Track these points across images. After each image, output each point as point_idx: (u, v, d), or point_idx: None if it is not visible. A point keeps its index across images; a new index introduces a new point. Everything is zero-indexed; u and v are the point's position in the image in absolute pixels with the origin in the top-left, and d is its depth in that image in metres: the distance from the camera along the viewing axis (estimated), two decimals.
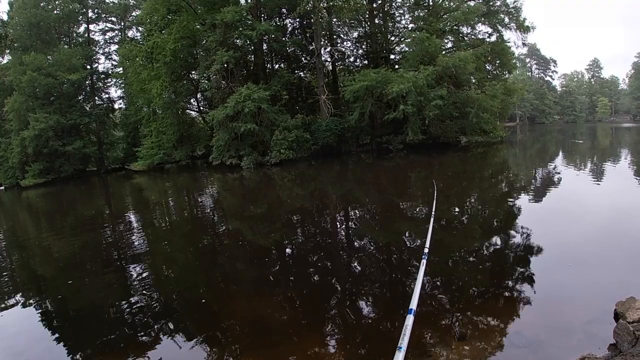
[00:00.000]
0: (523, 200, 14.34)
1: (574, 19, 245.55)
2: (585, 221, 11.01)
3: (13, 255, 14.70)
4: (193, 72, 43.23)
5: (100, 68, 54.32)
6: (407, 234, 11.55)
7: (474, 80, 36.27)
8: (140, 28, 49.66)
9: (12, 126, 45.23)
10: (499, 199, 15.57)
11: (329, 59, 41.96)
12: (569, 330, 5.54)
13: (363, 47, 45.15)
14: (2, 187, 47.53)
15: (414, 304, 3.88)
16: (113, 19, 53.80)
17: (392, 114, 31.51)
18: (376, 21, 42.47)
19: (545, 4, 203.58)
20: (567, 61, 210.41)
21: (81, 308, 8.40)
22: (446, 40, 39.77)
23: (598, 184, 16.34)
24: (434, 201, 10.18)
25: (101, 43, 54.52)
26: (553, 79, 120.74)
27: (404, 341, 3.23)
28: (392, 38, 43.92)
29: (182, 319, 7.37)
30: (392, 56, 43.38)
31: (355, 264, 9.68)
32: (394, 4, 43.47)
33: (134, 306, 7.98)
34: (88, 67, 50.36)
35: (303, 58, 42.85)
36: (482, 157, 29.01)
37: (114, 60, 54.25)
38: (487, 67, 40.03)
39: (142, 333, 6.93)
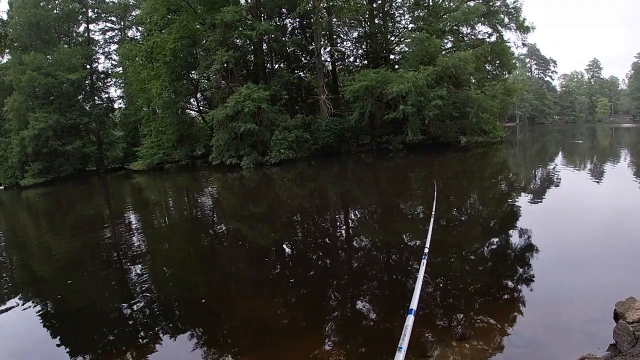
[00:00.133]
0: (523, 201, 14.34)
1: (573, 20, 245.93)
2: (584, 221, 11.02)
3: (13, 255, 14.68)
4: (193, 72, 43.21)
5: (100, 68, 54.36)
6: (406, 234, 11.55)
7: (473, 81, 36.26)
8: (140, 28, 49.60)
9: (12, 126, 45.18)
10: (499, 199, 15.58)
11: (328, 59, 41.96)
12: (569, 330, 5.54)
13: (363, 47, 45.16)
14: (1, 187, 47.47)
15: (414, 304, 3.87)
16: (113, 18, 53.76)
17: (392, 114, 31.50)
18: (376, 21, 42.46)
19: (545, 4, 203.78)
20: (566, 61, 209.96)
21: (81, 308, 8.39)
22: (446, 41, 39.74)
23: (598, 184, 16.35)
24: (434, 201, 10.17)
25: (101, 43, 54.54)
26: (553, 79, 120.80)
27: (405, 342, 3.23)
28: (392, 38, 43.92)
29: (182, 319, 7.37)
30: (392, 56, 43.39)
31: (355, 264, 9.69)
32: (393, 4, 43.49)
33: (134, 306, 7.97)
34: (88, 66, 50.29)
35: (303, 58, 42.84)
36: (481, 157, 29.01)
37: (114, 60, 54.23)
38: (487, 67, 40.00)
39: (142, 333, 6.93)
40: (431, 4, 40.91)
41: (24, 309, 8.43)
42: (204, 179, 32.79)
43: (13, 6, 48.01)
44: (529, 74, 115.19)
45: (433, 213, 8.77)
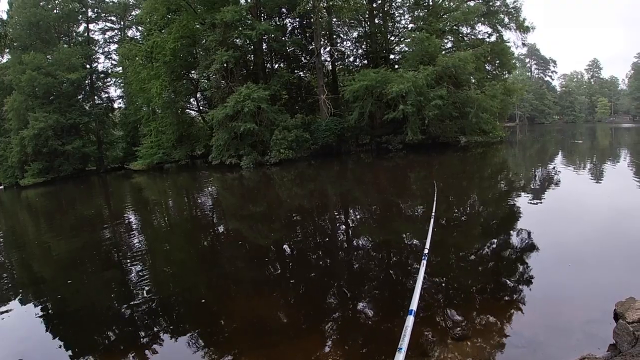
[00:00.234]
0: (522, 201, 14.34)
1: (573, 20, 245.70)
2: (584, 221, 11.02)
3: (12, 255, 14.68)
4: (193, 72, 43.21)
5: (100, 67, 54.33)
6: (406, 234, 11.57)
7: (473, 80, 36.25)
8: (139, 27, 49.60)
9: (12, 125, 45.16)
10: (499, 199, 15.59)
11: (328, 59, 41.96)
12: (569, 331, 5.54)
13: (363, 46, 45.14)
14: (1, 187, 47.43)
15: (414, 305, 3.87)
16: (113, 18, 53.74)
17: (392, 113, 31.50)
18: (376, 21, 42.43)
19: (545, 4, 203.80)
20: (566, 61, 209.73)
21: (81, 308, 8.40)
22: (446, 40, 39.71)
23: (597, 184, 16.37)
24: (434, 202, 10.16)
25: (101, 42, 54.52)
26: (553, 79, 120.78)
27: (404, 342, 3.23)
28: (392, 38, 43.90)
29: (182, 319, 7.36)
30: (391, 56, 43.36)
31: (355, 264, 9.68)
32: (393, 4, 43.45)
33: (134, 306, 7.98)
34: (87, 66, 50.24)
35: (303, 58, 42.82)
36: (481, 157, 29.02)
37: (114, 60, 54.20)
38: (487, 67, 39.98)
39: (142, 333, 6.93)
40: (431, 3, 40.88)
41: (24, 309, 8.45)
42: (203, 178, 32.77)
43: (13, 6, 48.02)
44: (529, 74, 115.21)
45: (433, 214, 8.77)
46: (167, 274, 10.29)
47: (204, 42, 36.31)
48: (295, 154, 32.88)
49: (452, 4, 39.21)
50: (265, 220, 15.58)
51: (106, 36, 54.46)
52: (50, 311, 8.37)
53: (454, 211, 13.54)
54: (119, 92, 55.09)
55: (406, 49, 39.31)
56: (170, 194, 27.57)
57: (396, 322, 6.07)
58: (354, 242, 11.70)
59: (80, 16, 51.51)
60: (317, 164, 31.90)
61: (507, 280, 7.53)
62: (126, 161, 49.26)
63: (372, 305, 7.17)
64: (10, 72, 44.77)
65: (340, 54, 44.82)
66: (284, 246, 11.84)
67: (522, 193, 15.99)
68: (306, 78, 43.85)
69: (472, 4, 38.14)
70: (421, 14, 40.71)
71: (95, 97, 52.75)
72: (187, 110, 48.12)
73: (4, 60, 48.87)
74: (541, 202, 14.02)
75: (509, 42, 40.99)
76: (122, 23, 54.08)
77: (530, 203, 13.88)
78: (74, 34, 52.79)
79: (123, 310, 7.95)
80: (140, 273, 10.20)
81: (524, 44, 43.21)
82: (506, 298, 6.82)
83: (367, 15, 41.63)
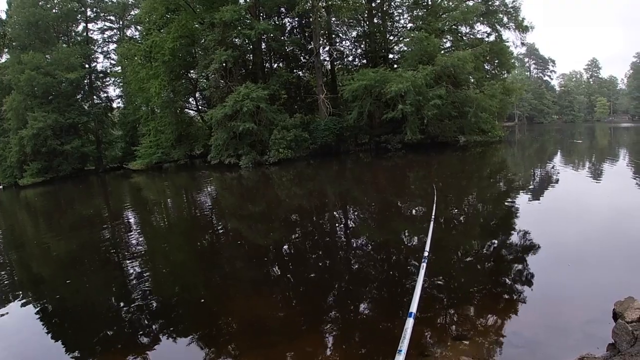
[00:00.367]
0: (522, 200, 14.35)
1: (573, 19, 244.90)
2: (584, 221, 11.03)
3: (11, 254, 14.68)
4: (192, 71, 43.15)
5: (99, 67, 54.09)
6: (405, 234, 11.58)
7: (472, 80, 36.26)
8: (139, 27, 49.42)
9: (11, 125, 45.02)
10: (498, 198, 15.58)
11: (327, 58, 41.99)
12: (568, 330, 5.55)
13: (362, 46, 45.09)
14: (0, 187, 47.39)
15: (414, 308, 3.87)
16: (112, 17, 53.59)
17: (391, 113, 31.50)
18: (375, 20, 42.39)
19: (544, 3, 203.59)
20: (566, 61, 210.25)
21: (80, 308, 8.39)
22: (445, 40, 39.73)
23: (597, 184, 16.38)
24: (434, 205, 10.15)
25: (100, 42, 54.30)
26: (552, 79, 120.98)
27: (404, 344, 3.23)
28: (391, 37, 43.90)
29: (181, 319, 7.36)
30: (390, 55, 43.39)
31: (354, 264, 9.68)
32: (392, 4, 43.35)
33: (133, 306, 7.98)
34: (86, 66, 50.04)
35: (302, 57, 42.78)
36: (480, 157, 29.05)
37: (113, 59, 54.02)
38: (486, 67, 39.98)
39: (141, 333, 6.94)
40: (430, 3, 40.81)
41: (23, 309, 8.43)
42: (202, 178, 32.75)
43: (12, 5, 47.89)
44: (528, 73, 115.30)
45: (433, 217, 8.76)
46: (166, 273, 10.28)
47: (202, 41, 36.34)
48: (294, 154, 32.86)
49: (451, 3, 39.21)
50: (264, 220, 15.58)
51: (105, 36, 54.36)
52: (49, 311, 8.37)
53: (453, 211, 13.54)
54: (117, 91, 55.02)
55: (405, 48, 39.25)
56: (169, 193, 27.56)
57: (395, 323, 6.08)
58: (353, 242, 11.71)
59: (79, 16, 51.35)
60: (316, 163, 31.90)
61: (507, 280, 7.54)
62: (125, 161, 49.13)
63: (371, 305, 7.18)
64: (9, 71, 44.65)
65: (339, 54, 44.80)
66: (283, 246, 11.83)
67: (521, 192, 16.01)
68: (305, 77, 43.80)
69: (471, 3, 38.17)
70: (420, 14, 40.66)
71: (94, 97, 52.59)
72: (186, 109, 48.11)
73: (3, 60, 48.96)
74: (540, 202, 14.04)
75: (507, 41, 41.03)
76: (121, 22, 53.95)
77: (530, 203, 13.90)
78: (73, 33, 52.63)
79: (122, 310, 7.96)
80: (139, 273, 10.20)
81: (522, 44, 43.36)
82: (505, 298, 6.82)
83: (366, 15, 41.63)
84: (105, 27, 53.91)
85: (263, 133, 32.83)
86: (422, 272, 5.07)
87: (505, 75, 43.57)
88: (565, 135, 54.18)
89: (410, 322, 3.57)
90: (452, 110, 32.63)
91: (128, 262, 11.35)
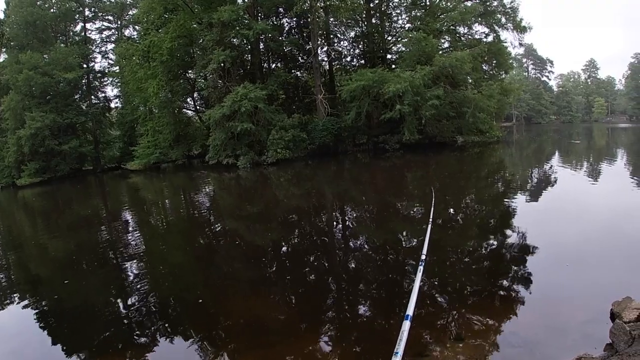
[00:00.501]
0: (519, 201, 14.36)
1: (572, 19, 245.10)
2: (582, 221, 11.05)
3: (9, 255, 14.66)
4: (190, 71, 43.12)
5: (97, 67, 53.92)
6: (403, 235, 11.58)
7: (470, 80, 36.29)
8: (137, 27, 49.41)
9: (8, 125, 44.91)
10: (496, 199, 15.59)
11: (325, 59, 41.96)
12: (566, 330, 5.55)
13: (360, 46, 45.12)
14: None
15: (410, 310, 3.87)
16: (110, 17, 53.45)
17: (389, 113, 31.51)
18: (373, 21, 42.41)
19: (543, 3, 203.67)
20: (565, 61, 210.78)
21: (78, 308, 8.38)
22: (443, 40, 39.72)
23: (595, 184, 16.41)
24: (432, 208, 10.15)
25: (98, 42, 54.12)
26: (549, 79, 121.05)
27: (400, 347, 3.23)
28: (389, 38, 43.89)
29: (179, 319, 7.36)
30: (389, 56, 43.42)
31: (352, 264, 9.69)
32: (391, 4, 43.36)
33: (131, 306, 7.97)
34: (84, 65, 49.90)
35: (300, 57, 42.81)
36: (478, 157, 29.07)
37: (111, 59, 53.88)
38: (484, 67, 39.98)
39: (139, 333, 6.93)
40: (428, 3, 40.85)
41: (22, 310, 8.42)
42: (200, 178, 32.74)
43: (10, 5, 47.81)
44: (526, 74, 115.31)
45: (430, 220, 8.76)
46: (164, 273, 10.27)
47: (201, 41, 36.34)
48: (292, 154, 32.84)
49: (449, 4, 39.24)
50: (263, 220, 15.58)
51: (103, 35, 54.22)
52: (47, 312, 8.35)
53: (450, 211, 13.55)
54: (115, 91, 54.87)
55: (403, 48, 39.29)
56: (167, 193, 27.54)
57: (392, 323, 6.08)
58: (351, 242, 11.72)
59: (77, 15, 51.22)
60: (314, 163, 31.90)
61: (505, 280, 7.55)
62: (123, 161, 49.05)
63: (369, 306, 7.19)
64: (7, 71, 44.56)
65: (338, 54, 44.79)
66: (281, 246, 11.85)
67: (519, 193, 16.04)
68: (303, 78, 43.82)
69: (469, 4, 38.22)
70: (418, 14, 40.72)
71: (92, 97, 52.51)
72: (184, 110, 47.96)
73: (1, 60, 48.78)
74: (538, 202, 14.08)
75: (506, 42, 41.05)
76: (119, 22, 53.83)
77: (528, 203, 13.93)
78: (71, 33, 52.49)
79: (120, 310, 7.96)
80: (137, 273, 10.20)
81: (520, 44, 43.27)
82: (503, 298, 6.83)
83: (364, 15, 41.60)
84: (103, 27, 53.81)
85: (261, 133, 32.82)
86: (419, 275, 5.06)
87: (503, 76, 43.65)
88: (563, 135, 54.27)
89: (406, 325, 3.57)
90: (450, 111, 32.70)
91: (126, 262, 11.35)
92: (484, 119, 34.72)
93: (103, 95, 54.75)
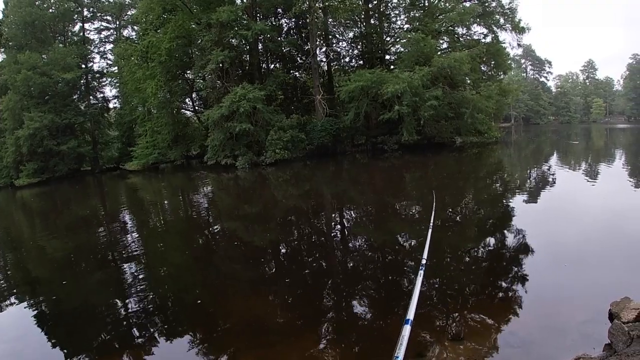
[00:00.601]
0: (518, 201, 14.38)
1: (572, 19, 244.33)
2: (580, 221, 11.07)
3: (7, 255, 14.64)
4: (188, 72, 43.04)
5: (95, 67, 53.99)
6: (402, 235, 11.58)
7: (469, 81, 36.37)
8: (135, 27, 49.44)
9: (7, 125, 44.90)
10: (494, 199, 15.62)
11: (324, 59, 42.05)
12: (564, 331, 5.56)
13: (358, 47, 45.12)
14: None
15: (411, 315, 3.85)
16: (108, 17, 53.46)
17: (387, 114, 31.56)
18: (372, 21, 42.48)
19: (543, 3, 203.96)
20: (565, 61, 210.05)
21: (76, 309, 8.37)
22: (441, 41, 39.80)
23: (593, 185, 16.42)
24: (433, 212, 10.14)
25: (96, 42, 54.13)
26: (548, 80, 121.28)
27: (401, 351, 3.22)
28: (388, 38, 43.94)
29: (178, 320, 7.35)
30: (387, 57, 43.39)
31: (351, 265, 9.69)
32: (389, 5, 43.41)
33: (129, 307, 7.96)
34: (83, 66, 49.89)
35: (298, 58, 42.76)
36: (477, 158, 29.08)
37: (109, 60, 53.97)
38: (482, 68, 40.09)
39: (138, 334, 6.92)
40: (427, 4, 40.93)
41: (20, 310, 8.41)
42: (199, 179, 32.71)
43: (8, 5, 47.79)
44: (524, 74, 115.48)
45: (431, 224, 8.75)
46: (162, 274, 10.27)
47: (199, 42, 36.33)
48: (291, 155, 32.86)
49: (447, 4, 39.29)
50: (261, 220, 15.57)
51: (102, 36, 54.25)
52: (46, 312, 8.35)
53: (449, 211, 13.56)
54: (114, 92, 54.89)
55: (402, 49, 39.31)
56: (165, 194, 27.52)
57: (392, 323, 6.09)
58: (350, 243, 11.72)
59: (76, 16, 51.22)
60: (313, 164, 31.91)
61: (503, 281, 7.56)
62: (121, 161, 49.01)
63: (368, 305, 7.18)
64: (5, 71, 44.57)
65: (336, 55, 44.90)
66: (280, 247, 11.85)
67: (518, 193, 16.04)
68: (302, 78, 43.77)
69: (467, 4, 38.24)
70: (417, 15, 40.80)
71: (91, 97, 52.48)
72: (183, 110, 47.89)
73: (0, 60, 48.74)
74: (536, 203, 14.08)
75: (504, 42, 41.21)
76: (117, 23, 53.82)
77: (526, 203, 13.93)
78: (70, 33, 52.50)
79: (118, 310, 7.94)
80: (135, 273, 10.17)
81: (519, 45, 43.36)
82: (502, 298, 6.84)
83: (362, 16, 41.64)
84: (101, 27, 53.88)
85: (260, 134, 32.83)
86: (419, 279, 5.05)
87: (502, 77, 43.76)
88: (561, 136, 54.30)
89: (407, 329, 3.55)
90: (449, 111, 32.77)
91: (125, 263, 11.32)
92: (483, 120, 34.79)
93: (101, 95, 54.90)
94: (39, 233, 18.30)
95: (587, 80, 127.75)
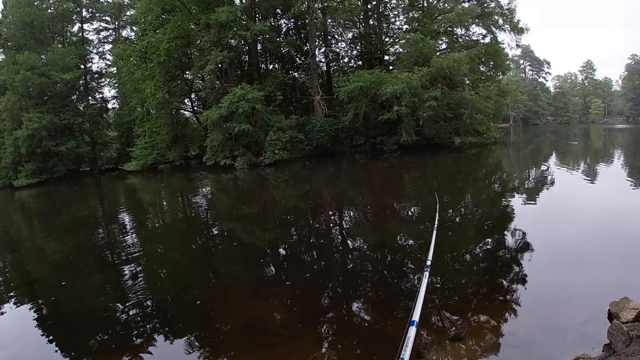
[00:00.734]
0: (517, 202, 14.39)
1: (572, 19, 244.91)
2: (579, 221, 11.08)
3: (6, 256, 14.61)
4: (187, 72, 42.96)
5: (94, 68, 53.97)
6: (401, 236, 11.58)
7: (467, 82, 36.35)
8: (134, 28, 49.47)
9: (5, 126, 44.86)
10: (494, 200, 15.61)
11: (323, 60, 42.11)
12: (564, 331, 5.56)
13: (357, 48, 45.19)
14: None
15: (416, 316, 3.86)
16: (107, 18, 53.46)
17: (386, 114, 31.57)
18: (371, 22, 42.54)
19: (542, 3, 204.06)
20: (563, 62, 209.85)
21: (75, 310, 8.36)
22: (440, 42, 39.82)
23: (592, 185, 16.44)
24: (437, 214, 10.13)
25: (95, 42, 54.17)
26: (546, 81, 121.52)
27: (407, 353, 3.21)
28: (387, 39, 44.02)
29: (177, 321, 7.35)
30: (386, 57, 43.47)
31: (351, 265, 9.69)
32: (388, 5, 43.50)
33: (128, 308, 7.95)
34: (82, 66, 49.86)
35: (297, 58, 42.81)
36: (475, 158, 29.10)
37: (108, 60, 54.06)
38: (481, 69, 40.16)
39: (137, 335, 6.90)
40: (425, 5, 41.01)
41: (19, 311, 8.40)
42: (198, 179, 32.69)
43: (7, 5, 47.76)
44: (523, 75, 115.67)
45: (436, 226, 8.75)
46: (162, 275, 10.27)
47: (198, 42, 36.33)
48: (290, 155, 32.86)
49: (446, 5, 39.25)
50: (260, 221, 15.55)
51: (100, 36, 54.28)
52: (44, 313, 8.33)
53: (448, 212, 13.54)
54: (113, 92, 54.94)
55: (401, 50, 39.38)
56: (164, 195, 27.51)
57: (392, 324, 6.09)
58: (349, 243, 11.71)
59: (75, 16, 51.20)
60: (312, 164, 31.90)
61: (503, 281, 7.55)
62: (120, 162, 48.99)
63: (368, 306, 7.18)
64: (4, 72, 44.53)
65: (335, 55, 45.03)
66: (280, 248, 11.84)
67: (517, 194, 16.05)
68: (301, 79, 43.83)
69: (466, 5, 38.28)
70: (416, 15, 40.87)
71: (90, 98, 52.48)
72: (182, 110, 47.85)
73: None
74: (535, 203, 14.09)
75: (503, 43, 41.30)
76: (116, 23, 53.84)
77: (525, 204, 13.94)
78: (68, 33, 52.48)
79: (117, 311, 7.93)
80: (134, 274, 10.16)
81: (518, 45, 43.44)
82: (502, 299, 6.83)
83: (361, 17, 41.71)
84: (100, 28, 53.93)
85: (258, 134, 32.83)
86: (424, 280, 5.06)
87: (501, 77, 43.79)
88: (560, 136, 54.36)
89: (412, 331, 3.56)
90: (448, 112, 32.80)
91: (123, 264, 11.30)
92: (481, 120, 34.81)
93: (100, 96, 54.97)
94: (38, 234, 18.27)
95: (585, 81, 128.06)
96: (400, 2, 42.82)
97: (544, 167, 23.51)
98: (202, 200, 23.58)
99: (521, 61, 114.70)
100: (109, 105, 55.81)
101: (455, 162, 27.68)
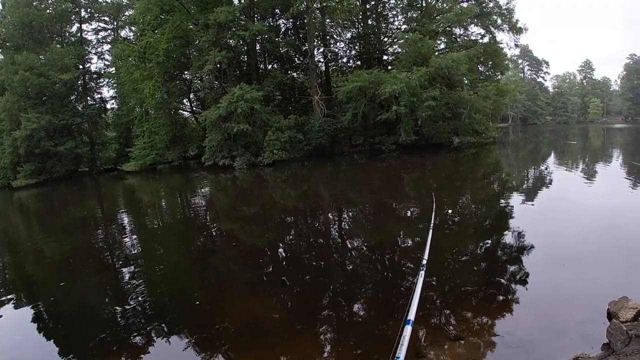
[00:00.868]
0: (516, 201, 14.39)
1: (571, 19, 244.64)
2: (578, 221, 11.08)
3: (5, 257, 14.59)
4: (186, 72, 42.98)
5: (93, 68, 53.85)
6: (400, 236, 11.59)
7: (466, 81, 36.31)
8: (133, 28, 49.43)
9: (4, 126, 44.78)
10: (492, 200, 15.62)
11: (322, 60, 41.95)
12: (563, 331, 5.56)
13: (356, 47, 45.18)
14: None
15: (412, 315, 3.86)
16: (106, 18, 53.42)
17: (385, 114, 31.54)
18: (369, 22, 42.56)
19: (542, 3, 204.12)
20: (562, 61, 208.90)
21: (74, 310, 8.35)
22: (439, 42, 39.82)
23: (591, 185, 16.44)
24: (433, 213, 10.14)
25: (94, 43, 54.10)
26: (545, 80, 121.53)
27: (402, 352, 3.22)
28: (385, 39, 44.03)
29: (176, 321, 7.34)
30: (385, 57, 43.47)
31: (349, 265, 9.69)
32: (387, 5, 43.61)
33: (127, 308, 7.94)
34: (80, 66, 49.81)
35: (296, 58, 42.83)
36: (474, 158, 29.10)
37: (107, 60, 53.94)
38: (480, 69, 40.14)
39: (136, 335, 6.89)
40: (424, 5, 41.03)
41: (18, 311, 8.40)
42: (197, 180, 32.66)
43: (5, 5, 47.71)
44: (522, 75, 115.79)
45: (432, 225, 8.75)
46: (160, 275, 10.24)
47: (197, 42, 36.32)
48: (289, 155, 32.84)
49: (445, 5, 39.28)
50: (259, 221, 15.55)
51: (99, 36, 54.24)
52: (43, 314, 8.32)
53: (447, 212, 13.55)
54: (111, 92, 54.91)
55: (399, 50, 39.41)
56: (163, 195, 27.49)
57: (391, 324, 6.07)
58: (348, 243, 11.71)
59: (73, 16, 51.10)
60: (311, 164, 31.90)
61: (502, 281, 7.55)
62: (119, 162, 48.92)
63: (367, 307, 7.18)
64: (2, 72, 44.48)
65: (334, 55, 44.95)
66: (279, 248, 11.83)
67: (515, 193, 16.08)
68: (299, 79, 43.86)
69: (465, 5, 38.30)
70: (414, 15, 40.85)
71: (88, 98, 52.38)
72: (180, 111, 47.87)
73: None
74: (534, 203, 14.09)
75: (501, 43, 41.35)
76: (115, 23, 53.80)
77: (524, 203, 13.94)
78: (67, 34, 52.38)
79: (116, 312, 7.92)
80: (133, 275, 10.16)
81: (516, 45, 43.47)
82: (501, 298, 6.83)
83: (360, 17, 41.75)
84: (99, 28, 53.89)
85: (257, 134, 32.82)
86: (420, 280, 5.06)
87: (499, 77, 43.84)
88: (558, 136, 54.38)
89: (408, 330, 3.56)
90: (446, 112, 32.79)
91: (122, 264, 11.31)
92: (480, 120, 34.83)
93: (99, 96, 54.85)
94: (37, 235, 18.26)
95: (584, 81, 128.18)
96: (398, 2, 42.91)
97: (542, 167, 23.52)
98: (201, 200, 23.58)
99: (520, 61, 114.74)
100: (108, 106, 55.80)
101: (453, 161, 27.69)
